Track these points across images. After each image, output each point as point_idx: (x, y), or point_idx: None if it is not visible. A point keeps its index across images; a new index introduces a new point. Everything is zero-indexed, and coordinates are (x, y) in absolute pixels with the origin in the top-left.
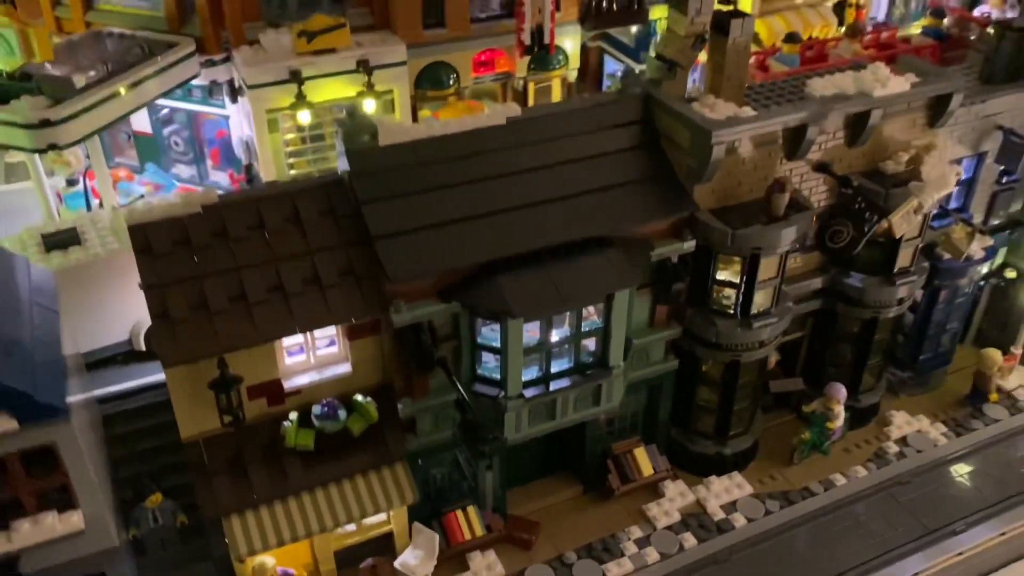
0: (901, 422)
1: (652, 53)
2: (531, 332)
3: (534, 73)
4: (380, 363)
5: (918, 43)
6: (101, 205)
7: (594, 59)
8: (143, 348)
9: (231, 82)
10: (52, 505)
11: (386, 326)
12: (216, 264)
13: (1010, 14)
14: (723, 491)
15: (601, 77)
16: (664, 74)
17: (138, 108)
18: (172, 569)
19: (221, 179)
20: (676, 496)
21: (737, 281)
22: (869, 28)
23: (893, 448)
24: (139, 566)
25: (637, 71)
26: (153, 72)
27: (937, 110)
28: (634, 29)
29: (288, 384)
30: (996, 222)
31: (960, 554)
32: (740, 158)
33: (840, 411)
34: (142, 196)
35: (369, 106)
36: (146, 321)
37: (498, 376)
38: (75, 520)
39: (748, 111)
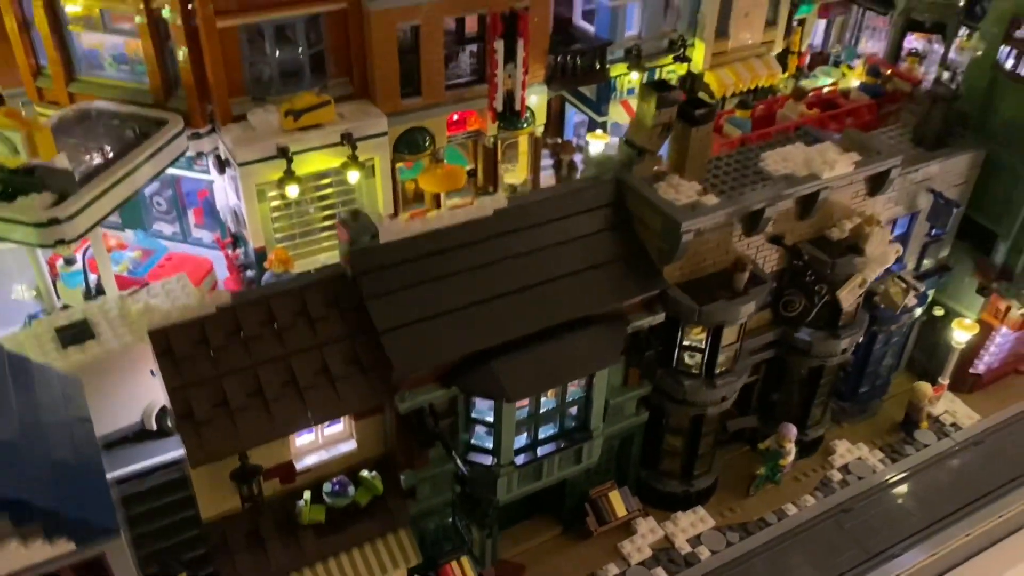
0: (843, 450)
1: (624, 138)
2: (521, 404)
3: (503, 131)
4: (383, 438)
5: (856, 99)
6: (99, 284)
7: (556, 107)
8: (154, 427)
9: (218, 156)
10: None
11: (389, 407)
12: (233, 363)
13: (936, 47)
14: (689, 526)
15: (563, 125)
16: (634, 159)
17: (134, 194)
18: None
19: (204, 236)
20: (647, 532)
21: (702, 347)
22: (807, 55)
23: (837, 476)
24: None
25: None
26: (147, 157)
27: (877, 182)
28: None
29: (299, 465)
30: (926, 267)
31: None
32: (705, 238)
33: (791, 448)
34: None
35: (353, 177)
36: (157, 402)
37: (491, 446)
38: None
39: (712, 198)
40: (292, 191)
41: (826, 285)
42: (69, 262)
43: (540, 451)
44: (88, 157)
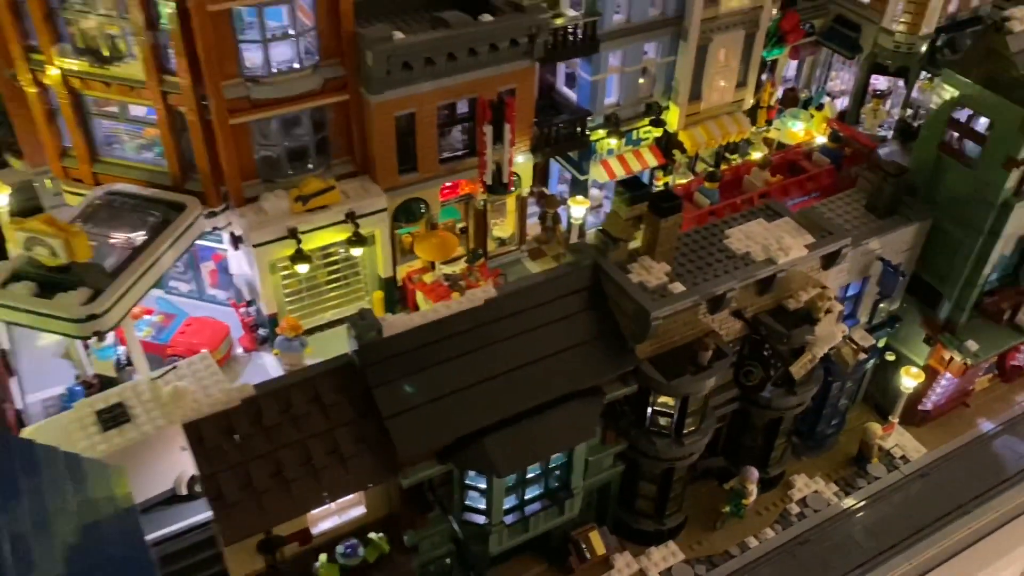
0: (802, 484)
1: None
2: None
3: (492, 196)
4: (388, 502)
5: (818, 162)
6: (128, 356)
7: (541, 160)
8: (184, 493)
9: (233, 233)
10: None
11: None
12: (257, 449)
13: (900, 85)
14: (661, 560)
15: (548, 176)
16: (609, 246)
17: (159, 280)
18: None
19: (218, 294)
20: (623, 567)
21: (671, 411)
22: (778, 97)
23: (795, 509)
24: None
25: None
26: (169, 245)
27: (829, 259)
28: None
29: (315, 530)
30: (878, 320)
31: None
32: (673, 318)
33: (754, 489)
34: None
35: (357, 252)
36: (187, 472)
37: (483, 507)
38: None
39: (679, 286)
40: (302, 269)
41: (781, 359)
42: (100, 338)
43: (527, 510)
44: (117, 247)
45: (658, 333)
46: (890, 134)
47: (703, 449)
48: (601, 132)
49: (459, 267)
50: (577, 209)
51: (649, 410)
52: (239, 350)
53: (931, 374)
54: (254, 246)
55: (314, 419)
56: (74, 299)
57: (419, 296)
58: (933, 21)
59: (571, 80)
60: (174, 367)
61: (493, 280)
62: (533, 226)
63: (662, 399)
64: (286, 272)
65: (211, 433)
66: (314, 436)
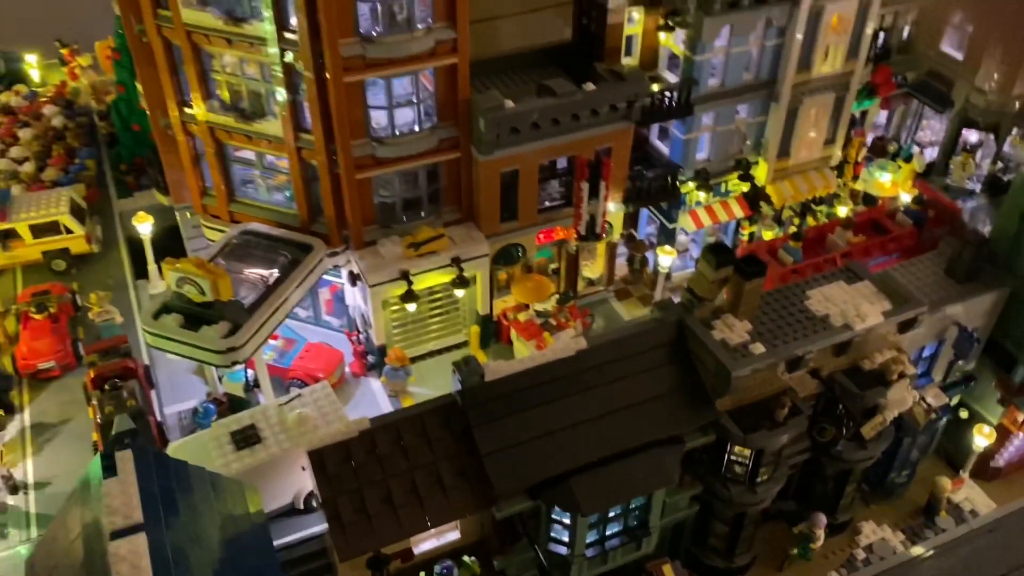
0: (869, 531)
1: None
2: None
3: (585, 242)
4: (480, 529)
5: (901, 223)
6: (256, 378)
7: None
8: (302, 507)
9: (351, 272)
10: None
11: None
12: (371, 476)
13: (991, 138)
14: None
15: (637, 221)
16: (695, 304)
17: (287, 316)
18: None
19: (332, 321)
20: None
21: (747, 461)
22: (866, 150)
23: (861, 555)
24: None
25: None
26: (298, 284)
27: (906, 324)
28: None
29: (416, 550)
30: (953, 379)
31: None
32: (752, 375)
33: (821, 535)
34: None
35: (460, 293)
36: (305, 488)
37: (566, 539)
38: None
39: (759, 347)
40: (411, 308)
41: (853, 419)
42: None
43: (607, 544)
44: (252, 283)
45: (738, 388)
46: (979, 187)
47: (775, 495)
48: (691, 185)
49: (550, 305)
50: (665, 259)
51: (725, 458)
52: (348, 372)
53: (1003, 433)
54: (371, 286)
55: (421, 451)
56: (217, 332)
57: (513, 333)
58: None
59: (664, 133)
60: (299, 395)
61: (581, 320)
62: (621, 266)
63: (738, 449)
64: (395, 307)
65: (332, 460)
66: (420, 467)
